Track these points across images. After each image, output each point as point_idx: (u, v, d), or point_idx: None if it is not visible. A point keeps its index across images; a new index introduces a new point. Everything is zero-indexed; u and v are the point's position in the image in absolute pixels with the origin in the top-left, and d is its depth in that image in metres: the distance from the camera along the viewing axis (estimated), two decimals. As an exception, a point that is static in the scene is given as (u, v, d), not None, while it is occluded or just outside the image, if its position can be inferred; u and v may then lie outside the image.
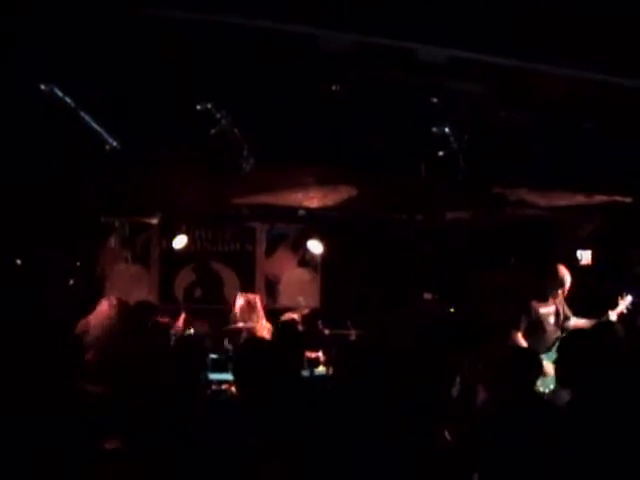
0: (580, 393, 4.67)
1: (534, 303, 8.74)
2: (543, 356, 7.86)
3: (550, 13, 5.09)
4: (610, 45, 5.46)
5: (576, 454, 4.14)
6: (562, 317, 8.83)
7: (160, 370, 8.07)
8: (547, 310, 8.78)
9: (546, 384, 7.94)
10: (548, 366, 7.26)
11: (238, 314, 10.29)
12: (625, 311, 8.67)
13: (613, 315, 8.65)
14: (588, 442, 4.14)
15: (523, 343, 8.54)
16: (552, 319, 8.77)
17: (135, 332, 7.99)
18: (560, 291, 8.84)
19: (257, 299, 10.42)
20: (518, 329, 8.64)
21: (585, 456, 4.09)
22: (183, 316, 9.97)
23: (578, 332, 7.02)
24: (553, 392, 7.73)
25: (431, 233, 12.35)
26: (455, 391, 6.73)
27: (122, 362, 6.92)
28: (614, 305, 8.71)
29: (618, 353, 4.87)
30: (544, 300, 8.80)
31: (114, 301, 7.61)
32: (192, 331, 10.21)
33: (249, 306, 10.25)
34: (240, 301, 10.32)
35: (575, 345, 4.91)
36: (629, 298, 8.69)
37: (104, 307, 7.52)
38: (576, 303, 9.12)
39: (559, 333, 8.64)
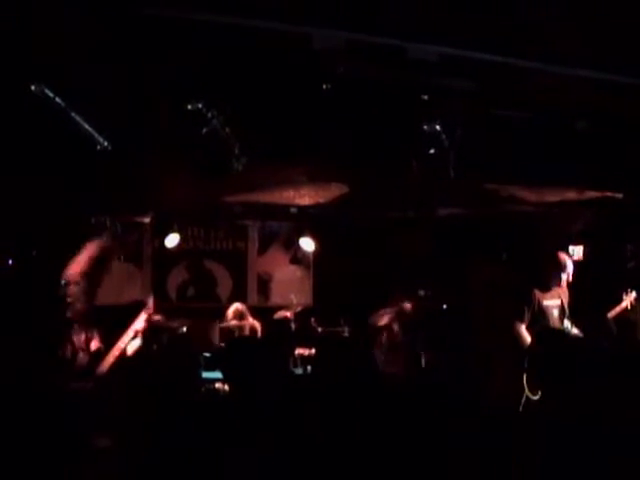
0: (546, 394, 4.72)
1: (537, 294, 8.76)
2: None
3: (542, 10, 5.09)
4: (602, 42, 5.48)
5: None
6: (567, 312, 8.84)
7: (153, 368, 8.09)
8: (551, 302, 8.81)
9: None
10: None
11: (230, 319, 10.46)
12: (629, 307, 8.68)
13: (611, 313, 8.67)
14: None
15: (526, 335, 8.58)
16: (556, 312, 8.79)
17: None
18: (564, 279, 8.83)
19: (245, 308, 10.62)
20: (522, 321, 8.68)
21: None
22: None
23: (547, 332, 7.06)
24: None
25: (423, 230, 12.37)
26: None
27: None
28: (618, 301, 8.70)
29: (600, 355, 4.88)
30: (547, 291, 8.81)
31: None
32: (185, 329, 10.23)
33: (240, 314, 10.43)
34: (231, 309, 10.52)
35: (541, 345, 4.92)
36: (634, 294, 8.69)
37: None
38: (573, 299, 9.14)
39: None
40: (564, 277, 8.87)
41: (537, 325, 8.62)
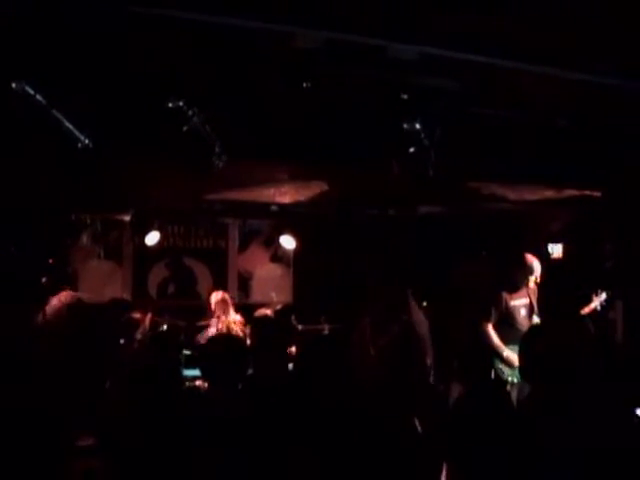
0: (538, 389, 4.68)
1: (505, 295, 8.86)
2: (512, 347, 8.14)
3: (523, 10, 5.12)
4: (582, 43, 5.51)
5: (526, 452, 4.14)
6: (535, 309, 8.95)
7: (135, 366, 8.07)
8: (519, 302, 8.91)
9: (515, 374, 8.22)
10: (516, 357, 7.50)
11: (215, 309, 10.42)
12: (599, 308, 8.77)
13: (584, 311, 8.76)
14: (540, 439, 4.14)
15: (492, 334, 8.67)
16: (524, 311, 8.90)
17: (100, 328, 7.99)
18: (532, 280, 8.95)
19: (228, 296, 10.62)
20: (488, 320, 8.79)
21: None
22: (150, 316, 9.96)
23: (540, 326, 7.14)
24: (523, 382, 7.94)
25: (403, 228, 12.40)
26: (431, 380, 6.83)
27: (89, 359, 6.91)
28: (587, 301, 8.80)
29: (581, 351, 4.87)
30: (515, 291, 8.91)
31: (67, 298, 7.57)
32: (165, 327, 10.23)
33: (224, 302, 10.41)
34: (217, 297, 10.48)
35: (535, 340, 4.92)
36: (603, 295, 8.78)
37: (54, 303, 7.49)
38: (548, 298, 9.23)
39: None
40: (531, 278, 8.98)
41: (504, 325, 8.78)
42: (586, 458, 3.87)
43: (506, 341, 8.64)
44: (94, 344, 7.04)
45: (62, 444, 5.22)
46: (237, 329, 10.32)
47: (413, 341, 7.11)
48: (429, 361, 7.19)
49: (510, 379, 8.53)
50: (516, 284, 8.96)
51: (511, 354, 8.37)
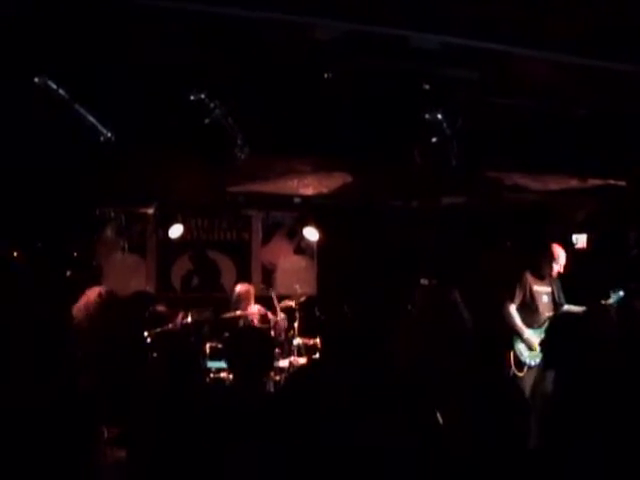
0: (563, 377, 4.66)
1: (530, 279, 9.12)
2: (532, 331, 8.31)
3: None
4: (604, 30, 5.48)
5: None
6: (557, 299, 9.04)
7: (158, 358, 8.11)
8: (542, 289, 9.20)
9: (533, 357, 8.38)
10: (536, 340, 8.59)
11: (237, 301, 10.44)
12: (616, 304, 8.81)
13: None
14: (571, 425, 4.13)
15: (515, 314, 8.82)
16: (546, 298, 9.14)
17: (125, 321, 8.07)
18: (555, 269, 9.04)
19: (251, 289, 10.64)
20: (512, 301, 9.04)
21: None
22: (181, 316, 10.03)
23: (567, 315, 7.18)
24: (540, 366, 8.18)
25: (427, 219, 12.38)
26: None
27: (115, 352, 6.97)
28: (606, 297, 8.84)
29: (606, 340, 4.84)
30: (540, 278, 9.05)
31: (100, 291, 7.65)
32: (189, 319, 10.26)
33: (247, 294, 10.44)
34: (240, 289, 10.51)
35: (561, 328, 4.90)
36: (620, 294, 8.83)
37: (90, 297, 7.58)
38: (572, 287, 9.27)
39: (551, 313, 8.88)
40: (556, 267, 9.14)
41: (526, 308, 9.09)
42: (613, 445, 3.86)
43: (527, 325, 8.97)
44: (121, 337, 7.10)
45: (90, 435, 5.26)
46: (258, 321, 10.36)
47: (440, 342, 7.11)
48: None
49: (528, 361, 8.73)
50: (541, 273, 9.09)
51: (532, 336, 8.59)
